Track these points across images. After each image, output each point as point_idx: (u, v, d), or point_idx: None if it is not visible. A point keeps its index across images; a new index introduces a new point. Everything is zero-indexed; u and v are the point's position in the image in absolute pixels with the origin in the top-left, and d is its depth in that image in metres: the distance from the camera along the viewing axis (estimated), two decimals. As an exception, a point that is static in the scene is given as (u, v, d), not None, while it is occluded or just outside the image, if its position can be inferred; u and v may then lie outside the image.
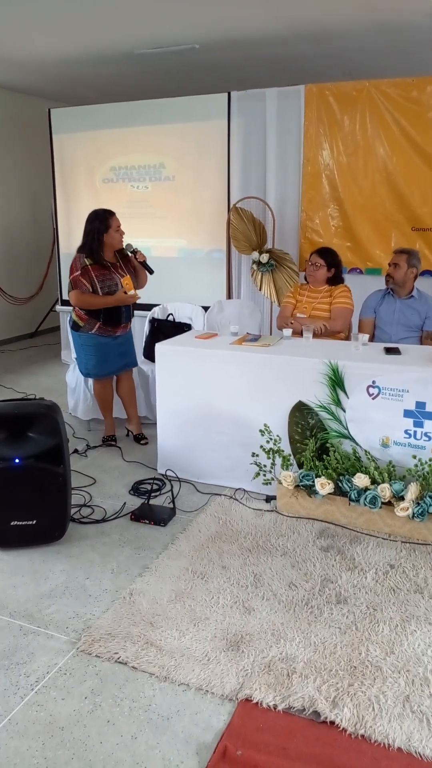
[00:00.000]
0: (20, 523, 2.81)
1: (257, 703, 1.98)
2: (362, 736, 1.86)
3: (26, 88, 6.86)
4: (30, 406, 2.92)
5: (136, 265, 3.95)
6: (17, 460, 2.74)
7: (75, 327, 3.98)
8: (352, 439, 3.17)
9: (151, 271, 3.97)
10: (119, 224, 3.83)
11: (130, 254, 3.91)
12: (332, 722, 1.91)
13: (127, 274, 3.87)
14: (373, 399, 3.11)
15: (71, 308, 3.99)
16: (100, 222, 3.77)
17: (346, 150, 4.90)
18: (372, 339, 3.90)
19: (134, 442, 4.22)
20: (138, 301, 3.98)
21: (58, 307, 6.48)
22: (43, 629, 2.36)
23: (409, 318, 3.88)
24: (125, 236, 3.90)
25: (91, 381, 4.27)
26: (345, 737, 1.87)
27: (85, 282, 3.75)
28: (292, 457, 3.28)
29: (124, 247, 3.89)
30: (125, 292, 3.82)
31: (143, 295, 4.08)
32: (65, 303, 6.30)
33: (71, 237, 6.14)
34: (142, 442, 4.19)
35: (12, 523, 2.80)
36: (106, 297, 3.79)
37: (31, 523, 2.82)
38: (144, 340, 4.68)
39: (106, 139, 5.75)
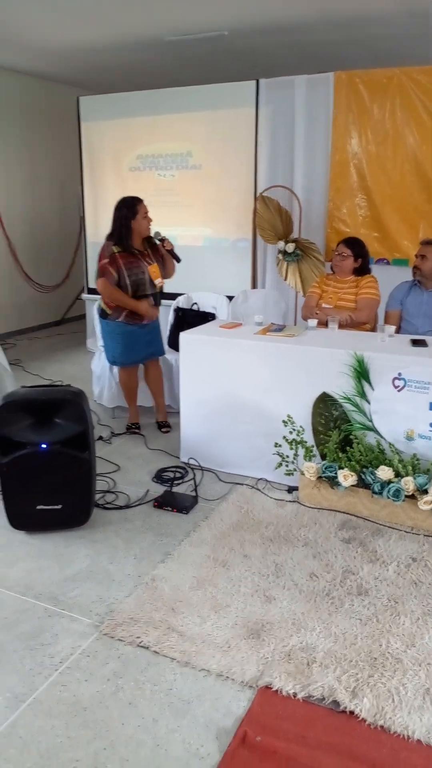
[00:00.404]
0: (46, 507, 2.86)
1: (277, 690, 2.00)
2: (382, 726, 1.87)
3: (55, 76, 6.88)
4: (57, 392, 2.95)
5: (163, 254, 3.94)
6: (44, 446, 2.78)
7: (102, 314, 4.02)
8: (376, 431, 3.15)
9: (178, 260, 3.97)
10: (147, 211, 3.83)
11: (158, 242, 3.91)
12: (351, 712, 1.92)
13: (154, 263, 3.88)
14: (398, 391, 3.09)
15: (99, 296, 4.02)
16: (128, 209, 3.78)
17: (376, 138, 4.84)
18: (398, 331, 3.87)
19: (157, 430, 4.24)
20: (163, 291, 3.99)
21: (84, 296, 6.53)
22: (67, 612, 2.40)
23: (437, 310, 3.83)
24: (153, 225, 3.91)
25: (116, 369, 4.30)
26: (364, 727, 1.88)
27: (111, 270, 3.77)
28: (315, 448, 3.28)
29: (152, 234, 3.90)
30: (152, 281, 3.83)
31: (169, 285, 4.09)
32: (91, 291, 6.34)
33: (98, 225, 6.17)
34: (163, 429, 4.22)
35: (38, 508, 2.85)
36: (129, 300, 3.82)
37: (56, 507, 2.86)
38: (168, 329, 4.70)
39: (134, 127, 5.75)
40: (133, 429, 4.22)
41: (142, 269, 3.82)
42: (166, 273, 3.99)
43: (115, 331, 3.99)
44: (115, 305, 3.90)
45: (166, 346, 4.49)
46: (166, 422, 4.27)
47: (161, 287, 3.93)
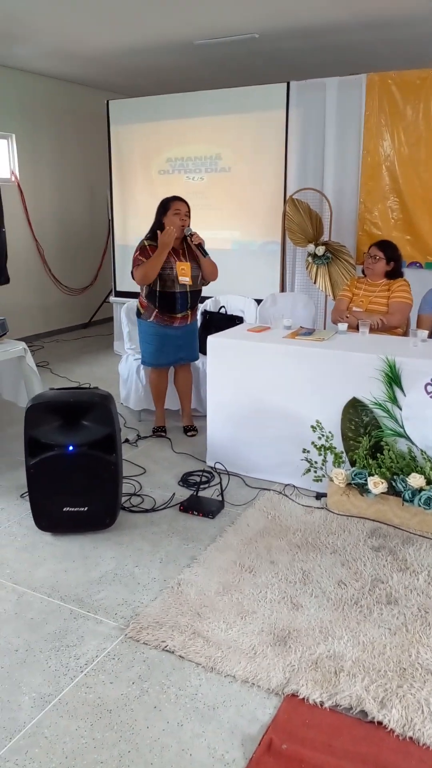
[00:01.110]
0: (72, 509, 2.87)
1: (304, 698, 1.97)
2: (410, 738, 1.83)
3: (85, 80, 6.96)
4: (85, 394, 2.96)
5: (197, 255, 3.87)
6: (71, 448, 2.80)
7: (138, 314, 4.09)
8: (407, 437, 3.10)
9: (204, 254, 3.87)
10: (179, 208, 3.82)
11: (188, 237, 3.86)
12: (380, 723, 1.88)
13: (186, 261, 3.86)
14: (431, 397, 3.03)
15: (127, 298, 4.05)
16: (162, 206, 3.87)
17: (408, 140, 4.77)
18: (431, 336, 3.80)
19: (183, 434, 4.24)
20: (198, 292, 3.97)
21: (112, 298, 6.57)
22: (92, 614, 2.40)
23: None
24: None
25: (143, 372, 4.32)
26: (392, 738, 1.83)
27: (142, 259, 3.79)
28: (344, 455, 3.23)
29: (185, 232, 3.86)
30: (179, 279, 3.82)
31: (209, 289, 4.08)
32: (119, 294, 6.38)
33: (126, 228, 6.21)
34: (189, 433, 4.22)
35: (65, 509, 2.87)
36: (154, 258, 3.74)
37: (83, 509, 2.87)
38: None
39: (163, 130, 5.77)
40: (159, 432, 4.22)
41: (170, 264, 3.82)
42: (204, 274, 3.91)
43: (147, 332, 4.02)
44: (147, 304, 3.94)
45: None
46: (192, 426, 4.26)
47: (190, 286, 3.87)
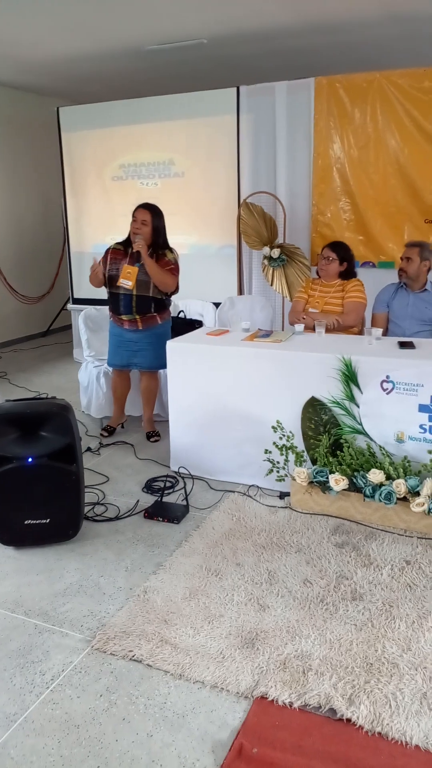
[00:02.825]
0: (34, 521, 2.81)
1: (273, 700, 1.97)
2: (379, 733, 1.84)
3: (35, 87, 6.87)
4: (42, 405, 2.92)
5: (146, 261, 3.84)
6: (30, 459, 2.75)
7: None
8: (366, 434, 3.14)
9: (137, 260, 3.86)
10: (136, 216, 3.85)
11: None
12: (349, 720, 1.89)
13: (136, 266, 3.85)
14: (387, 394, 3.08)
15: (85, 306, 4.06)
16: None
17: (357, 143, 4.86)
18: (385, 333, 3.87)
19: (146, 440, 4.22)
20: (142, 295, 3.94)
21: (70, 306, 6.50)
22: (57, 627, 2.36)
23: (423, 312, 3.85)
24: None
25: (103, 379, 4.30)
26: (362, 735, 1.85)
27: (98, 262, 3.97)
28: (305, 454, 3.26)
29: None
30: (120, 280, 3.86)
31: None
32: (77, 301, 6.32)
33: (82, 235, 6.15)
34: (152, 439, 4.20)
35: (26, 522, 2.81)
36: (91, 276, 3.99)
37: (44, 521, 2.82)
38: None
39: (115, 136, 5.75)
40: (102, 431, 4.25)
41: (117, 266, 3.89)
42: (155, 281, 3.85)
43: (109, 330, 4.16)
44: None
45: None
46: (154, 431, 4.24)
47: (135, 290, 3.85)
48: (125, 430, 4.36)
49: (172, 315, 4.73)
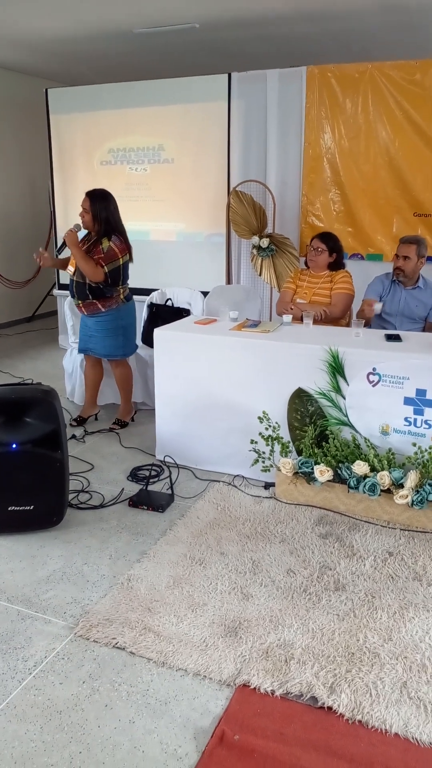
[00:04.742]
0: (18, 508, 2.80)
1: (255, 688, 1.99)
2: (359, 721, 1.87)
3: (23, 67, 6.75)
4: (27, 391, 2.89)
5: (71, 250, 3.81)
6: (14, 446, 2.73)
7: None
8: (351, 426, 3.16)
9: (59, 250, 3.98)
10: (82, 203, 3.82)
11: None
12: (330, 708, 1.92)
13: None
14: (373, 386, 3.09)
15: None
16: None
17: (348, 133, 4.84)
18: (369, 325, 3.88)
19: (132, 427, 4.20)
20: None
21: (56, 291, 6.44)
22: (41, 614, 2.35)
23: (413, 309, 3.82)
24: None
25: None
26: (342, 723, 1.87)
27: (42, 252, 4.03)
28: (291, 444, 3.27)
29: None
30: (68, 267, 3.91)
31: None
32: (63, 287, 6.26)
33: (68, 219, 6.05)
34: (112, 425, 4.19)
35: (9, 509, 2.79)
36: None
37: (28, 508, 2.81)
38: (142, 324, 4.65)
39: (105, 120, 5.67)
40: (72, 422, 4.20)
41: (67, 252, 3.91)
42: (82, 271, 3.81)
43: None
44: None
45: (140, 343, 4.43)
46: (119, 420, 4.22)
47: (74, 276, 3.89)
48: (98, 422, 4.30)
49: (159, 303, 4.72)
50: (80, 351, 4.18)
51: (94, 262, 3.76)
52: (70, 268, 3.91)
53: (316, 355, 3.16)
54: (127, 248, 3.87)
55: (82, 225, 3.84)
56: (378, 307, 3.73)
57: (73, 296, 4.00)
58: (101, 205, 3.78)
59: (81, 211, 3.82)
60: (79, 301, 3.94)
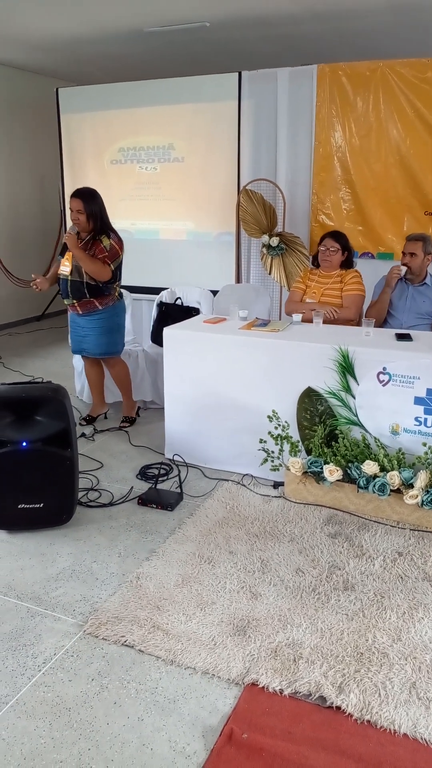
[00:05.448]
0: (28, 506, 2.81)
1: (263, 687, 1.99)
2: (368, 721, 1.86)
3: (34, 67, 6.78)
4: (37, 389, 2.91)
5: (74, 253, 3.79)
6: (25, 444, 2.74)
7: None
8: (361, 425, 3.15)
9: (61, 253, 3.93)
10: (71, 207, 3.77)
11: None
12: (338, 707, 1.91)
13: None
14: (383, 386, 3.08)
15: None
16: None
17: (359, 132, 4.82)
18: (383, 326, 3.87)
19: (141, 426, 4.21)
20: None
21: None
22: (50, 612, 2.37)
23: (420, 305, 3.83)
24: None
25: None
26: (351, 722, 1.87)
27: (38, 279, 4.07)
28: (300, 444, 3.27)
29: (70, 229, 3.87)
30: (61, 268, 3.86)
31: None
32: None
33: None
34: (121, 424, 4.20)
35: (19, 507, 2.81)
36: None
37: (38, 506, 2.82)
38: (152, 323, 4.66)
39: (115, 119, 5.67)
40: (81, 421, 4.21)
41: (63, 254, 3.89)
42: (87, 272, 3.79)
43: None
44: None
45: (149, 341, 4.44)
46: (127, 417, 4.24)
47: (70, 276, 3.83)
48: (108, 421, 4.31)
49: (169, 302, 4.72)
50: (74, 352, 4.18)
51: (101, 261, 3.75)
52: (64, 270, 3.83)
53: (326, 355, 3.15)
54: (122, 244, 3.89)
55: (77, 227, 3.80)
56: (403, 269, 3.81)
57: (66, 296, 3.92)
58: (92, 203, 3.77)
59: (72, 215, 3.76)
60: (74, 301, 3.90)
